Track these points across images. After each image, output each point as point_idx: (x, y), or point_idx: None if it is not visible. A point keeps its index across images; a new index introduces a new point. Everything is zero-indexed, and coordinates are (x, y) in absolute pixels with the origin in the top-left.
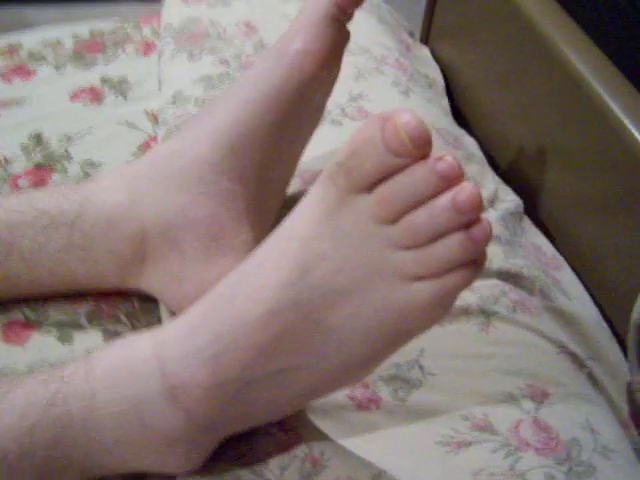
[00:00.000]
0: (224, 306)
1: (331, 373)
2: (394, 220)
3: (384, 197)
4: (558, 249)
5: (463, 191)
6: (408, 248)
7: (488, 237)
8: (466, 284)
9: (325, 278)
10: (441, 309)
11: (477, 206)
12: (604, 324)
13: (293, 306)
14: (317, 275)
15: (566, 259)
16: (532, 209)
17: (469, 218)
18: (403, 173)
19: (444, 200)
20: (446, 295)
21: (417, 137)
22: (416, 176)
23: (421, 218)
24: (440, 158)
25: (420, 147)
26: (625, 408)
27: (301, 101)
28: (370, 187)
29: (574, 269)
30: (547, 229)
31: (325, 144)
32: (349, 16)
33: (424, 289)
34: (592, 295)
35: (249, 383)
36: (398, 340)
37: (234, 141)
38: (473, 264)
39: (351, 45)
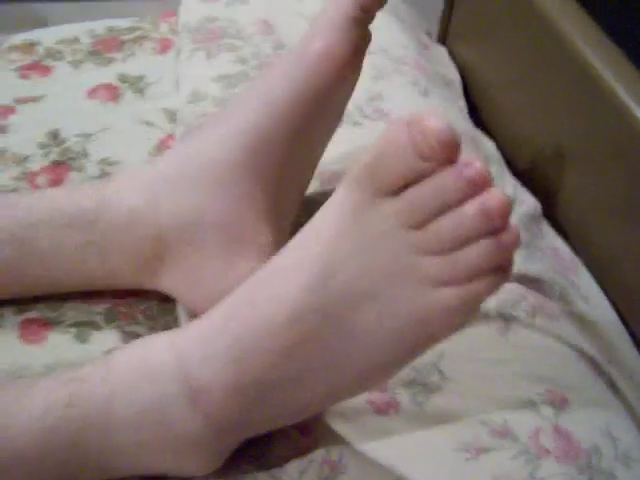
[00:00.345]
0: (246, 309)
1: (352, 377)
2: (420, 225)
3: (410, 202)
4: (576, 252)
5: (492, 197)
6: (434, 254)
7: (517, 244)
8: (492, 291)
9: (348, 282)
10: (465, 315)
11: (506, 213)
12: (622, 329)
13: (316, 309)
14: (340, 279)
15: (583, 262)
16: (550, 211)
17: (498, 225)
18: (431, 178)
19: (473, 206)
20: (471, 301)
21: (446, 142)
22: (444, 181)
23: (448, 224)
24: (469, 164)
25: (448, 152)
26: None
27: (322, 103)
28: (396, 191)
29: (592, 273)
30: (565, 232)
31: (343, 145)
32: (371, 17)
33: (449, 295)
34: (610, 299)
35: (270, 386)
36: (420, 346)
37: (254, 142)
38: (500, 270)
39: (369, 45)
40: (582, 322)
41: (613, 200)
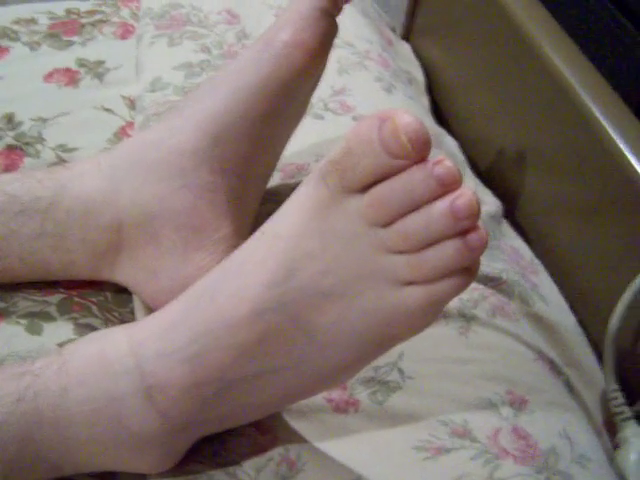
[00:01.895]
0: (205, 304)
1: (313, 376)
2: (387, 223)
3: (378, 199)
4: (535, 253)
5: (462, 197)
6: (400, 252)
7: (485, 245)
8: (458, 291)
9: (312, 279)
10: (430, 315)
11: (475, 213)
12: (580, 331)
13: (277, 307)
14: (303, 276)
15: (543, 264)
16: (510, 212)
17: (467, 225)
18: (399, 175)
19: (442, 205)
20: (437, 302)
21: (417, 139)
22: (413, 179)
23: (416, 222)
24: (439, 162)
25: (419, 150)
26: (599, 416)
27: (287, 93)
28: (364, 188)
29: (551, 274)
30: (524, 233)
31: (307, 138)
32: (339, 9)
33: (414, 294)
34: (568, 302)
35: (228, 384)
36: (383, 345)
37: (217, 131)
38: (467, 271)
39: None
40: (541, 323)
41: (573, 202)
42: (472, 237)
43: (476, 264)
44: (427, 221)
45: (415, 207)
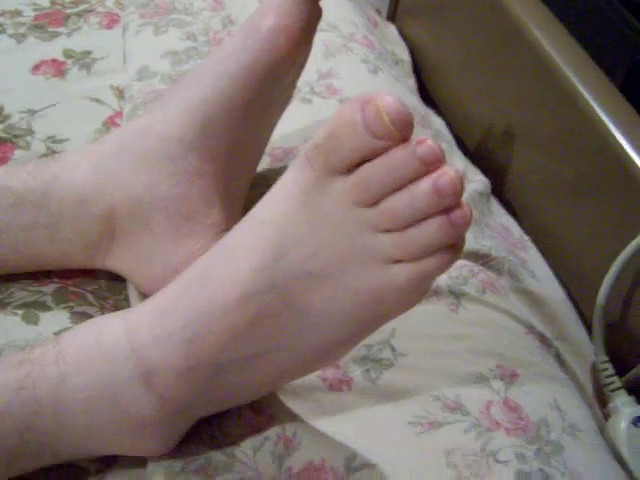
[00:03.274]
0: (197, 289)
1: (306, 356)
2: (373, 203)
3: (363, 180)
4: (524, 230)
5: (444, 175)
6: (386, 231)
7: (468, 222)
8: (444, 268)
9: (301, 261)
10: (418, 292)
11: (458, 190)
12: (570, 305)
13: (268, 289)
14: (292, 258)
15: (532, 240)
16: (499, 190)
17: (450, 202)
18: (383, 156)
19: (425, 184)
20: (424, 278)
21: (399, 120)
22: (396, 159)
23: (401, 201)
24: (422, 142)
25: (402, 130)
26: (590, 388)
27: (273, 78)
28: (349, 170)
29: (539, 250)
30: (513, 210)
31: (294, 122)
32: None
33: (402, 272)
34: (558, 277)
35: (223, 367)
36: (374, 323)
37: (204, 118)
38: (452, 248)
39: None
40: (531, 299)
41: (560, 179)
42: (456, 214)
43: (461, 240)
44: (411, 199)
45: (399, 186)
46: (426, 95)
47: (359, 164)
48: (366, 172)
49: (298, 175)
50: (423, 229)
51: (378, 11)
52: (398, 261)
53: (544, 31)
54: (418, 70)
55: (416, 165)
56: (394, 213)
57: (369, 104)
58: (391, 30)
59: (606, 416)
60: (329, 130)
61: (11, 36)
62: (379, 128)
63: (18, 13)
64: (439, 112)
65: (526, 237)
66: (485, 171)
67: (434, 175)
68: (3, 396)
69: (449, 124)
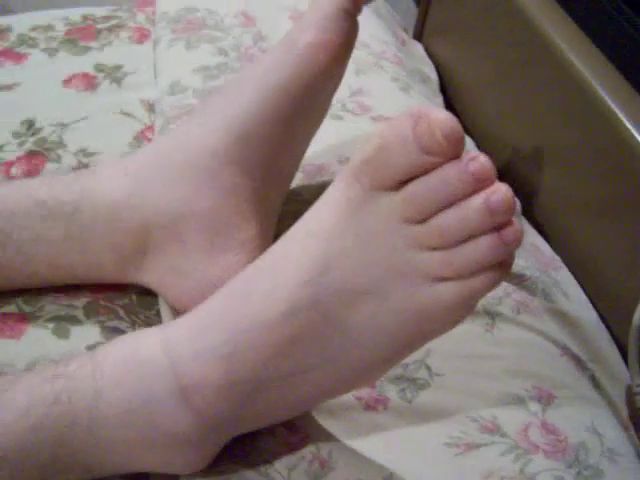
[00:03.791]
0: (239, 303)
1: (345, 375)
2: (422, 220)
3: (413, 196)
4: (554, 250)
5: (497, 192)
6: (435, 249)
7: (520, 239)
8: (493, 286)
9: (346, 277)
10: (464, 311)
11: (510, 208)
12: (603, 327)
13: (312, 305)
14: (338, 274)
15: (563, 261)
16: (528, 210)
17: (502, 220)
18: (434, 172)
19: (477, 201)
20: (471, 297)
21: (451, 136)
22: (448, 176)
23: (451, 219)
24: (474, 158)
25: (454, 146)
26: (625, 411)
27: (311, 94)
28: (397, 186)
29: (570, 271)
30: (543, 230)
31: (326, 138)
32: (360, 9)
33: (448, 290)
34: (589, 297)
35: (262, 383)
36: (417, 342)
37: (241, 132)
38: (501, 266)
39: None
40: (564, 319)
41: (592, 199)
42: (507, 231)
43: (510, 258)
44: (462, 217)
45: (450, 203)
46: (453, 114)
47: (408, 180)
48: (416, 188)
49: (345, 189)
50: (473, 247)
51: (405, 30)
52: (445, 279)
53: (574, 49)
54: (445, 89)
55: (468, 182)
56: (443, 230)
57: (421, 119)
58: (418, 49)
59: None
60: (378, 144)
61: (43, 50)
62: (431, 144)
63: (50, 28)
64: (467, 131)
65: (557, 257)
66: (514, 191)
67: (486, 192)
68: (37, 410)
69: (477, 143)
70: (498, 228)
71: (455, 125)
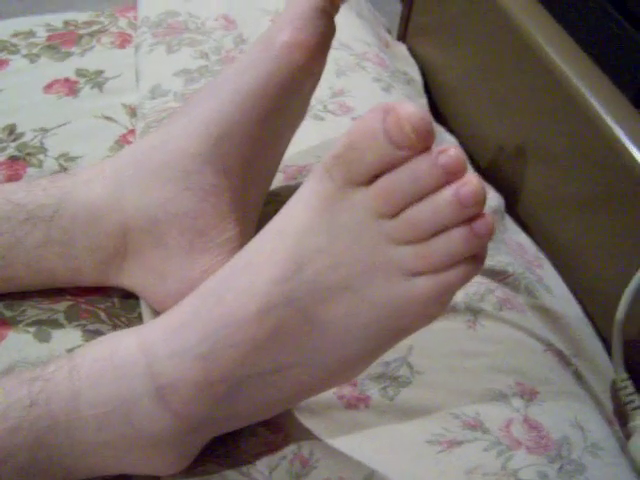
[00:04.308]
0: (215, 302)
1: (324, 371)
2: (394, 214)
3: (384, 190)
4: (538, 247)
5: (467, 184)
6: (408, 243)
7: (492, 231)
8: (467, 279)
9: (320, 274)
10: (440, 305)
11: (481, 200)
12: (587, 321)
13: (287, 302)
14: (312, 271)
15: (546, 257)
16: (512, 207)
17: (473, 212)
18: (404, 166)
19: (447, 193)
20: (446, 291)
21: (421, 129)
22: (418, 169)
23: (423, 212)
24: (443, 151)
25: (423, 139)
26: (609, 406)
27: (288, 94)
28: (369, 180)
29: (555, 267)
30: (527, 227)
31: (307, 139)
32: (336, 8)
33: (423, 284)
34: (573, 293)
35: (240, 382)
36: (394, 337)
37: (220, 133)
38: (474, 259)
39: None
40: (548, 315)
41: (574, 196)
42: (478, 224)
43: (483, 251)
44: (433, 210)
45: (421, 196)
46: (437, 114)
47: (379, 175)
48: (387, 183)
49: (317, 186)
50: (445, 240)
51: (389, 31)
52: (419, 273)
53: (556, 48)
54: (429, 89)
55: (438, 174)
56: (415, 224)
57: (390, 113)
58: (402, 50)
59: (627, 435)
60: (349, 140)
61: (24, 56)
62: (401, 137)
63: (32, 34)
64: (451, 131)
65: (541, 254)
66: (498, 189)
67: (457, 184)
68: (15, 412)
69: (461, 142)
70: (470, 220)
71: (424, 118)
